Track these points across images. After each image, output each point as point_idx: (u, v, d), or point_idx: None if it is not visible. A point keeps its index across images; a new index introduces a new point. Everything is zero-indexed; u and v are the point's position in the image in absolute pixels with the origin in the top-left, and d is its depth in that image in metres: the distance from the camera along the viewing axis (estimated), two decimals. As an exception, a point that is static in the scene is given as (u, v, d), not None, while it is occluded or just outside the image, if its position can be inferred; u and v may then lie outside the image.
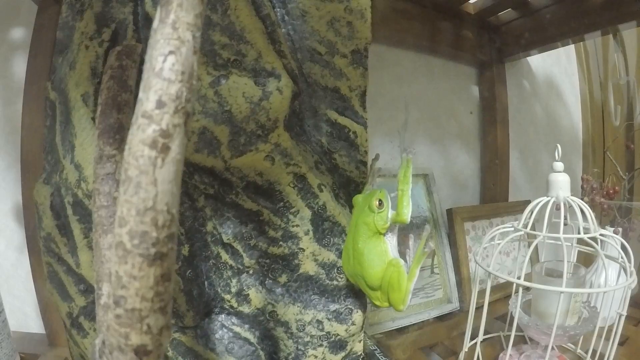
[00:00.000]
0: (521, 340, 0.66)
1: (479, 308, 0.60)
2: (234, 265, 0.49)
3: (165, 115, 0.18)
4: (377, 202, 0.46)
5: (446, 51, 0.99)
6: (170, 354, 0.48)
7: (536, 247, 0.87)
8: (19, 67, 0.66)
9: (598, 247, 0.52)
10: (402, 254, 0.49)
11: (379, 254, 0.46)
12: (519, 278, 0.53)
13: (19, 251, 0.69)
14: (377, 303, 0.48)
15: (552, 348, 0.54)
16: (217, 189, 0.47)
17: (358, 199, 0.50)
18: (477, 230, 0.94)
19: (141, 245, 0.18)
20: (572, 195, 0.56)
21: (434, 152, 1.02)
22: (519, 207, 1.02)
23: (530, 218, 0.56)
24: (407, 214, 0.45)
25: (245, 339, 0.50)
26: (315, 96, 0.51)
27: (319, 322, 0.51)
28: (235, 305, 0.50)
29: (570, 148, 1.30)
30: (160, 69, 0.18)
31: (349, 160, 0.53)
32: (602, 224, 0.79)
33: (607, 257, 0.55)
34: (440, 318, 0.84)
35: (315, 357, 0.51)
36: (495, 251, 0.56)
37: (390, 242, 0.48)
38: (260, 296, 0.50)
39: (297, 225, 0.49)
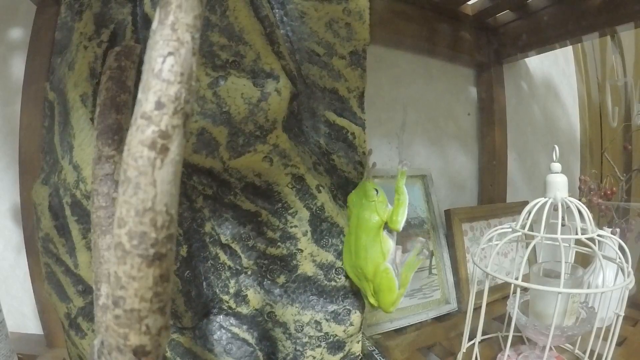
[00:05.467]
0: (519, 340, 0.66)
1: (477, 309, 0.60)
2: (232, 266, 0.49)
3: (165, 116, 0.18)
4: (375, 192, 0.48)
5: (444, 52, 0.99)
6: (168, 354, 0.48)
7: (534, 248, 0.87)
8: (18, 67, 0.66)
9: (596, 248, 0.52)
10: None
11: (379, 246, 0.48)
12: (516, 279, 0.53)
13: (17, 252, 0.69)
14: (372, 300, 0.49)
15: (550, 348, 0.54)
16: (215, 190, 0.47)
17: (352, 197, 0.51)
18: (475, 231, 0.95)
19: (140, 245, 0.18)
20: (569, 196, 0.56)
21: (432, 153, 1.02)
22: (517, 208, 1.02)
23: (528, 219, 0.57)
24: (400, 223, 0.47)
25: (244, 340, 0.50)
26: (313, 97, 0.51)
27: (317, 322, 0.51)
28: (233, 306, 0.50)
29: (568, 149, 1.31)
30: (159, 70, 0.18)
31: (347, 161, 0.53)
32: (599, 225, 0.79)
33: (605, 257, 0.55)
34: (438, 319, 0.84)
35: (314, 357, 0.51)
36: (493, 252, 0.56)
37: (391, 240, 0.49)
38: (259, 297, 0.50)
39: (296, 226, 0.49)
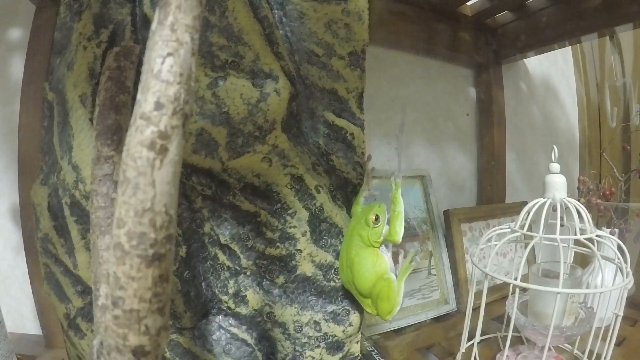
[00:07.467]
0: (518, 341, 0.66)
1: (476, 309, 0.60)
2: (232, 266, 0.49)
3: (164, 116, 0.18)
4: (374, 218, 0.48)
5: (443, 53, 1.00)
6: (167, 355, 0.48)
7: (533, 248, 0.87)
8: (17, 67, 0.66)
9: (594, 248, 0.52)
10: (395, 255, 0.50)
11: (371, 264, 0.48)
12: (515, 279, 0.53)
13: (16, 252, 0.68)
14: (368, 310, 0.50)
15: (549, 349, 0.54)
16: (214, 190, 0.47)
17: (357, 209, 0.51)
18: (474, 232, 0.95)
19: (139, 246, 0.18)
20: (568, 196, 0.56)
21: (431, 154, 1.02)
22: (516, 208, 1.02)
23: (527, 219, 0.57)
24: (399, 234, 0.47)
25: (243, 340, 0.50)
26: (312, 98, 0.51)
27: (316, 323, 0.51)
28: (232, 306, 0.50)
29: (566, 149, 1.31)
30: (158, 71, 0.18)
31: (346, 162, 0.53)
32: (598, 225, 0.79)
33: (604, 257, 0.55)
34: (437, 319, 0.84)
35: (313, 358, 0.51)
36: (492, 252, 0.56)
37: (385, 256, 0.49)
38: (258, 297, 0.50)
39: (295, 227, 0.49)
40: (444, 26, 0.95)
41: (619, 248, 0.54)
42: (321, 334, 0.51)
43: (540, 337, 0.55)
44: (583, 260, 0.76)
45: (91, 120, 0.44)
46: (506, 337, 0.55)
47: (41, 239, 0.48)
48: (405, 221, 0.48)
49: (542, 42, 0.96)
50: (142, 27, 0.45)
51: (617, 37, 1.15)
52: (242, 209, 0.48)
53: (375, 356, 0.63)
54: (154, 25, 0.19)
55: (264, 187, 0.48)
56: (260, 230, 0.49)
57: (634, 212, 0.99)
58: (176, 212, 0.20)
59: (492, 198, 1.08)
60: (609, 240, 0.55)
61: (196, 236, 0.49)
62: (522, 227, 0.57)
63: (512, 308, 0.56)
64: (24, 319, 0.70)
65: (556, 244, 0.52)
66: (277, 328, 0.51)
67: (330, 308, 0.51)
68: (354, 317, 0.52)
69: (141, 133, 0.18)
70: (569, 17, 0.87)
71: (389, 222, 0.48)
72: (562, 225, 0.54)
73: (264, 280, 0.50)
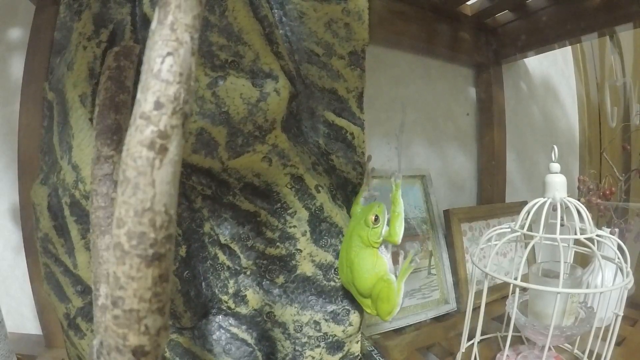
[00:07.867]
0: (518, 340, 0.66)
1: (476, 309, 0.60)
2: (232, 266, 0.49)
3: (163, 116, 0.18)
4: (373, 218, 0.47)
5: (443, 53, 1.00)
6: (167, 355, 0.48)
7: (533, 248, 0.87)
8: (17, 67, 0.66)
9: (595, 248, 0.52)
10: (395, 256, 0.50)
11: (370, 265, 0.48)
12: (515, 279, 0.53)
13: (16, 252, 0.68)
14: (368, 310, 0.50)
15: (549, 348, 0.54)
16: (214, 190, 0.47)
17: (357, 209, 0.51)
18: (474, 231, 0.95)
19: (139, 246, 0.18)
20: (568, 196, 0.56)
21: (431, 154, 1.02)
22: (516, 208, 1.02)
23: (527, 219, 0.57)
24: (399, 235, 0.47)
25: (243, 340, 0.50)
26: (312, 97, 0.51)
27: (317, 323, 0.51)
28: (232, 306, 0.50)
29: (567, 149, 1.31)
30: (158, 70, 0.18)
31: (346, 162, 0.53)
32: (598, 225, 0.79)
33: (604, 257, 0.55)
34: (437, 319, 0.84)
35: (313, 357, 0.51)
36: (492, 252, 0.56)
37: (385, 257, 0.49)
38: (258, 297, 0.50)
39: (295, 226, 0.49)
40: (444, 26, 0.95)
41: (619, 248, 0.54)
42: (321, 334, 0.51)
43: (540, 337, 0.55)
44: (583, 260, 0.76)
45: (91, 120, 0.44)
46: (506, 337, 0.55)
47: (41, 239, 0.48)
48: (405, 221, 0.48)
49: (542, 42, 0.96)
50: (142, 26, 0.45)
51: (617, 37, 1.15)
52: (242, 208, 0.48)
53: (375, 356, 0.63)
54: (153, 25, 0.19)
55: (264, 187, 0.48)
56: (260, 230, 0.49)
57: (634, 212, 0.99)
58: (176, 212, 0.20)
59: (492, 198, 1.08)
60: (609, 240, 0.55)
61: (196, 236, 0.49)
62: (522, 226, 0.57)
63: (512, 308, 0.56)
64: (24, 319, 0.70)
65: (556, 243, 0.52)
66: (277, 328, 0.51)
67: (330, 308, 0.51)
68: (354, 317, 0.52)
69: (141, 133, 0.18)
70: (569, 17, 0.87)
71: (388, 223, 0.48)
72: (562, 225, 0.54)
73: (264, 280, 0.50)
